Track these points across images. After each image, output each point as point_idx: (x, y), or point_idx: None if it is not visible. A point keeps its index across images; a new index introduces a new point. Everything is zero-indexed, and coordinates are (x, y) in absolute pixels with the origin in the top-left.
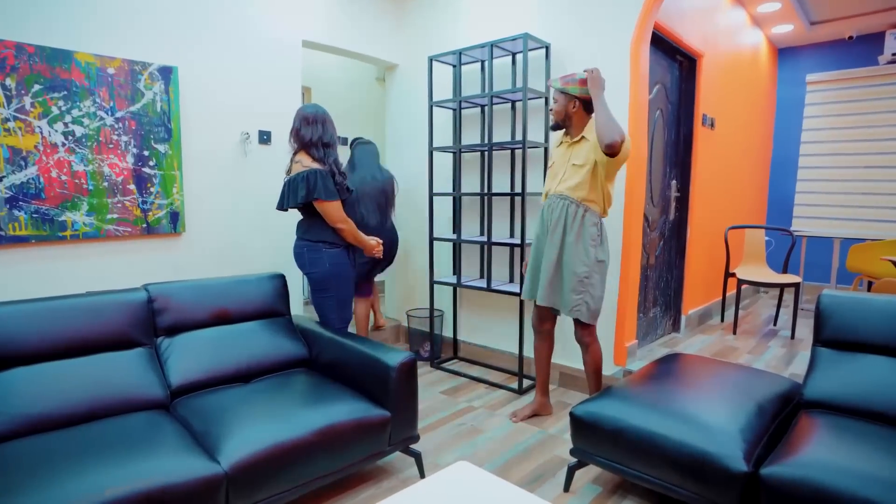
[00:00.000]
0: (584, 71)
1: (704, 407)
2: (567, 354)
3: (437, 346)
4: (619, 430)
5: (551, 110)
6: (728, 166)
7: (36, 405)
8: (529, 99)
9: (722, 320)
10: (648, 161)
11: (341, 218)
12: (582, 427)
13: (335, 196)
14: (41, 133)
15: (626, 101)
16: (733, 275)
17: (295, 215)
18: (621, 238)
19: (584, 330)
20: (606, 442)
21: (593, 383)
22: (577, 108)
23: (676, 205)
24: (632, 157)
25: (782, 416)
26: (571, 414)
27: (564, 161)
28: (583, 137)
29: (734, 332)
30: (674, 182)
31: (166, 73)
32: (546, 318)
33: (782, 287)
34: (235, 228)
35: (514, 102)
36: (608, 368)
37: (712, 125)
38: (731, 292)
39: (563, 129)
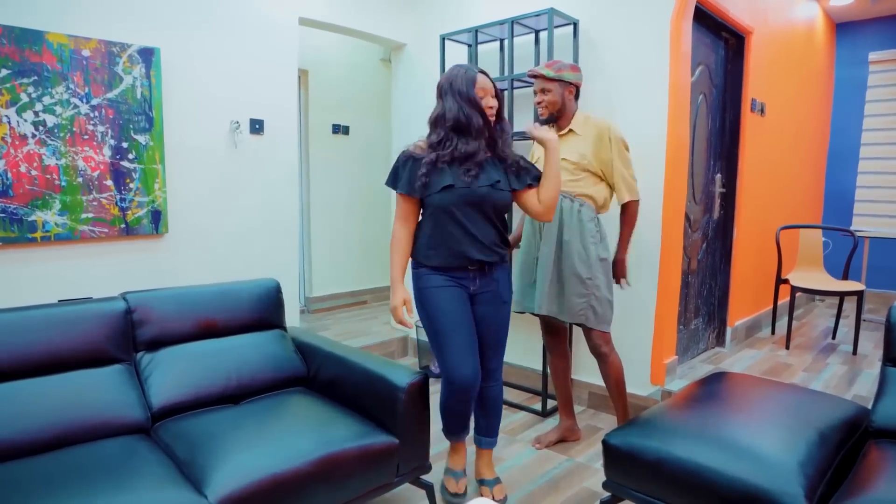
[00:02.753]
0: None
1: (757, 435)
2: (597, 372)
3: None
4: (659, 461)
5: (540, 103)
6: (780, 158)
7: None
8: None
9: (773, 333)
10: (690, 153)
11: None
12: (617, 457)
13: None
14: (9, 123)
15: (665, 86)
16: (786, 281)
17: (285, 214)
18: (659, 240)
19: (598, 338)
20: (645, 475)
21: (618, 399)
22: (571, 96)
23: (721, 202)
24: (671, 148)
25: (847, 446)
26: (605, 442)
27: None
28: (570, 131)
29: (787, 347)
30: (718, 176)
31: (147, 55)
32: (556, 331)
33: (842, 295)
34: (224, 229)
35: None
36: (643, 388)
37: (762, 111)
38: (784, 301)
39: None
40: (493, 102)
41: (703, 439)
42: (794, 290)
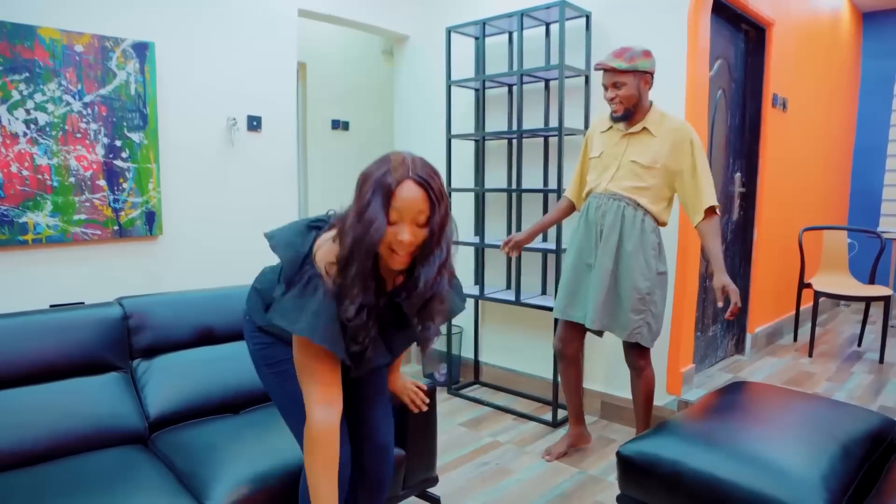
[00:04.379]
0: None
1: (778, 448)
2: (610, 380)
3: (455, 370)
4: (677, 474)
5: (614, 98)
6: (803, 156)
7: None
8: (567, 77)
9: (795, 340)
10: (708, 151)
11: None
12: (632, 469)
13: None
14: (0, 122)
15: (682, 80)
16: (809, 285)
17: (283, 214)
18: (676, 243)
19: (640, 354)
20: (661, 488)
21: (643, 415)
22: (647, 87)
23: (741, 202)
24: None
25: (872, 459)
26: (619, 454)
27: (618, 153)
28: (645, 129)
29: (810, 355)
30: (738, 175)
31: (141, 49)
32: (574, 339)
33: (868, 300)
34: (221, 230)
35: (548, 82)
36: (659, 398)
37: (784, 107)
38: (807, 306)
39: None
40: (409, 237)
41: (722, 451)
42: (817, 294)
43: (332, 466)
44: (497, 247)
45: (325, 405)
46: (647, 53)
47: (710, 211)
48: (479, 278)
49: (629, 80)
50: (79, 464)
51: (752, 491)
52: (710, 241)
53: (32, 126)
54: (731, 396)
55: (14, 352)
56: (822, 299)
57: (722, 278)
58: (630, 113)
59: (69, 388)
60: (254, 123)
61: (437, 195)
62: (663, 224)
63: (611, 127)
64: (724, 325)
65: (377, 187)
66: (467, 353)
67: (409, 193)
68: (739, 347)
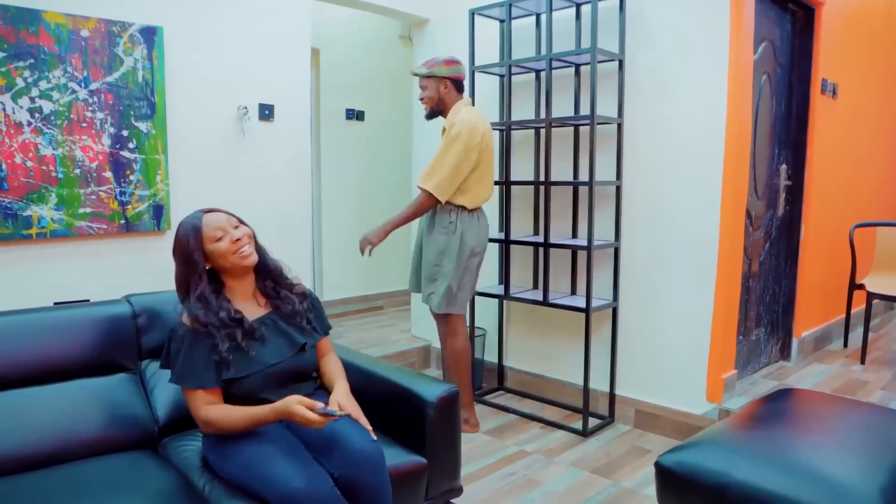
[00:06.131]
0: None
1: (831, 459)
2: (645, 387)
3: (477, 375)
4: (721, 486)
5: (422, 99)
6: (854, 146)
7: None
8: (600, 62)
9: (845, 345)
10: (752, 141)
11: None
12: (672, 482)
13: None
14: (4, 110)
15: (724, 64)
16: (861, 286)
17: (296, 208)
18: (717, 239)
19: (440, 321)
20: (703, 501)
21: (452, 376)
22: (448, 90)
23: (787, 196)
24: (731, 135)
25: None
26: (658, 464)
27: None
28: (444, 126)
29: (862, 362)
30: (783, 167)
31: (149, 34)
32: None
33: None
34: None
35: (578, 67)
36: (698, 406)
37: (834, 93)
38: (858, 309)
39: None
40: (238, 234)
41: (770, 462)
42: (870, 296)
43: (227, 408)
44: (525, 244)
45: (207, 405)
46: (450, 62)
47: (422, 189)
48: (504, 277)
49: (430, 84)
50: (85, 469)
51: None
52: (405, 207)
53: (37, 115)
54: (779, 404)
55: (18, 351)
56: (875, 301)
57: (373, 231)
58: (435, 112)
59: (75, 390)
60: (266, 112)
61: (229, 212)
62: (463, 206)
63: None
64: (767, 329)
65: (188, 233)
66: (491, 357)
67: (213, 218)
68: (785, 353)
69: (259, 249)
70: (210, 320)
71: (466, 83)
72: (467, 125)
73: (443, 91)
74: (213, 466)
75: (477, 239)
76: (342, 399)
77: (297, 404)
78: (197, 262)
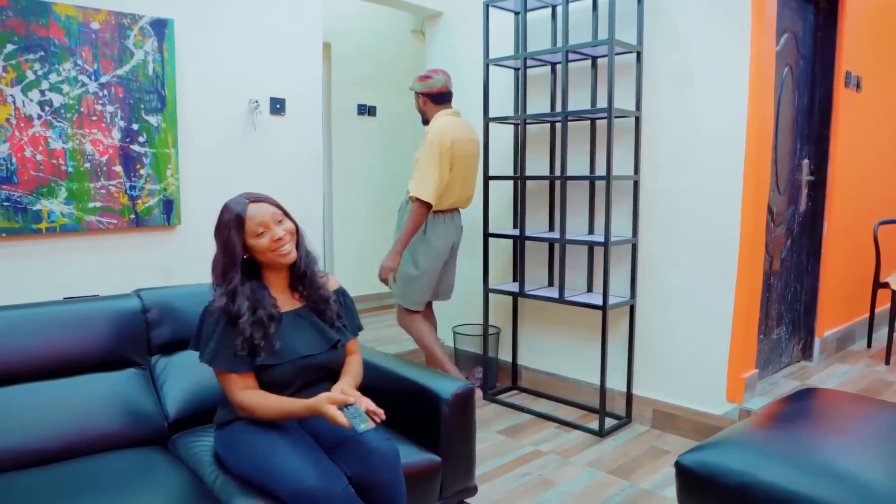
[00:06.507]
0: None
1: (859, 460)
2: (663, 386)
3: (491, 373)
4: (744, 487)
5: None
6: (879, 140)
7: (0, 438)
8: (617, 54)
9: (869, 345)
10: (774, 135)
11: None
12: (692, 482)
13: None
14: (14, 103)
15: (746, 56)
16: (885, 285)
17: (308, 203)
18: (738, 236)
19: (399, 310)
20: (726, 503)
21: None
22: (426, 102)
23: (809, 192)
24: (752, 129)
25: None
26: (678, 464)
27: None
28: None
29: (887, 362)
30: (806, 162)
31: (160, 27)
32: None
33: None
34: None
35: (595, 59)
36: (718, 406)
37: (858, 86)
38: (882, 308)
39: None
40: (281, 233)
41: (795, 463)
42: (894, 295)
43: (263, 395)
44: (540, 240)
45: (244, 389)
46: (423, 78)
47: (412, 198)
48: (519, 274)
49: (415, 98)
50: (94, 465)
51: None
52: (404, 223)
53: (47, 108)
54: (802, 404)
55: (27, 345)
56: None
57: (386, 257)
58: (425, 121)
59: (84, 385)
60: (277, 106)
61: (275, 202)
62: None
63: None
64: (789, 328)
65: (231, 221)
66: (505, 355)
67: (258, 210)
68: (807, 353)
69: (300, 246)
70: (243, 309)
71: (479, 78)
72: (436, 132)
73: (421, 104)
74: (226, 462)
75: (443, 240)
76: (346, 387)
77: (328, 403)
78: (237, 255)
